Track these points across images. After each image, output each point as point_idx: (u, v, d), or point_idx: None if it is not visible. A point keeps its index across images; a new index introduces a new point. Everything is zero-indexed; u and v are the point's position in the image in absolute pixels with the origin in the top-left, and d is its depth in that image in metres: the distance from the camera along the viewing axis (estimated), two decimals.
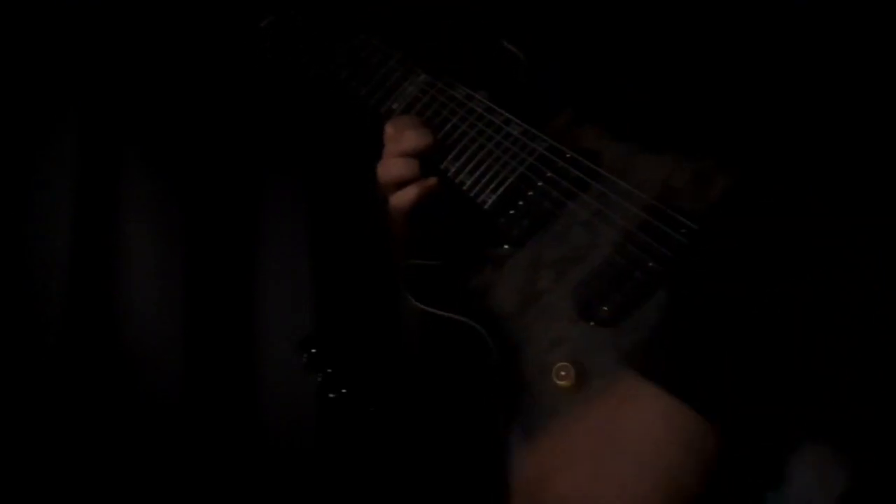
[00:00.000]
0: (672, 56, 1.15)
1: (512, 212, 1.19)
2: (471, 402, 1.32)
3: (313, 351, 1.79)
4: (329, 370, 1.77)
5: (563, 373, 1.02)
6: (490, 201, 1.20)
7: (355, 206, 2.01)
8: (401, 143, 1.26)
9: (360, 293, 2.02)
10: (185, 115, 2.02)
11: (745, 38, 1.11)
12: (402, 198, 1.25)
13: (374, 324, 1.99)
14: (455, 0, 1.76)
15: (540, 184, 1.18)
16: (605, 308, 1.06)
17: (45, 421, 1.91)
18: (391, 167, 1.26)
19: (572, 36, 1.29)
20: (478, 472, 1.26)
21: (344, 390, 1.76)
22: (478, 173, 1.23)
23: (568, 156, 1.17)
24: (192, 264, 2.05)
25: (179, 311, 2.02)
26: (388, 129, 1.29)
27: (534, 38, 1.34)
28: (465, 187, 1.24)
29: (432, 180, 1.24)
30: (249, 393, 2.02)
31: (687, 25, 1.16)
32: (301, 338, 1.85)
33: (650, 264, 1.06)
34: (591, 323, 1.06)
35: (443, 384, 1.52)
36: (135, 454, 1.95)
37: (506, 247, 1.19)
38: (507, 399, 1.09)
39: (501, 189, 1.20)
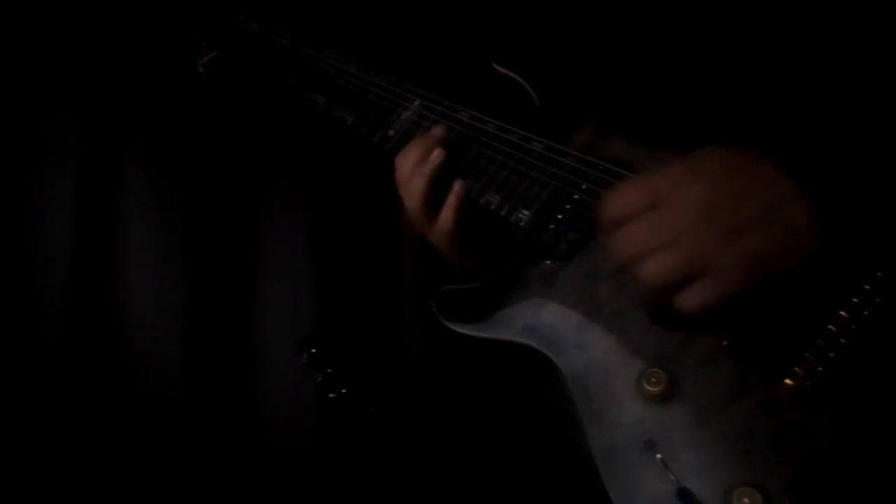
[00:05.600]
0: (675, 57, 1.15)
1: (552, 226, 1.14)
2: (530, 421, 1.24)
3: (313, 351, 1.79)
4: (329, 370, 1.76)
5: (654, 379, 0.99)
6: (525, 219, 1.16)
7: (355, 206, 2.01)
8: (409, 162, 1.21)
9: (361, 293, 2.02)
10: (185, 116, 2.02)
11: (746, 37, 1.11)
12: (443, 220, 1.20)
13: (375, 323, 1.99)
14: (444, 17, 1.71)
15: (577, 196, 1.13)
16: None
17: (45, 420, 1.92)
18: (413, 186, 1.20)
19: (575, 38, 1.27)
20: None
21: (344, 390, 1.76)
22: (505, 192, 1.18)
23: (601, 167, 1.13)
24: (192, 264, 2.05)
25: (179, 311, 2.03)
26: (397, 161, 1.23)
27: (534, 39, 1.32)
28: (492, 207, 1.19)
29: (458, 185, 1.19)
30: (249, 393, 2.02)
31: (688, 25, 1.16)
32: (301, 338, 1.85)
33: None
34: (664, 327, 1.03)
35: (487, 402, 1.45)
36: (135, 453, 1.95)
37: (548, 262, 1.14)
38: (585, 411, 1.02)
39: (536, 205, 1.15)
